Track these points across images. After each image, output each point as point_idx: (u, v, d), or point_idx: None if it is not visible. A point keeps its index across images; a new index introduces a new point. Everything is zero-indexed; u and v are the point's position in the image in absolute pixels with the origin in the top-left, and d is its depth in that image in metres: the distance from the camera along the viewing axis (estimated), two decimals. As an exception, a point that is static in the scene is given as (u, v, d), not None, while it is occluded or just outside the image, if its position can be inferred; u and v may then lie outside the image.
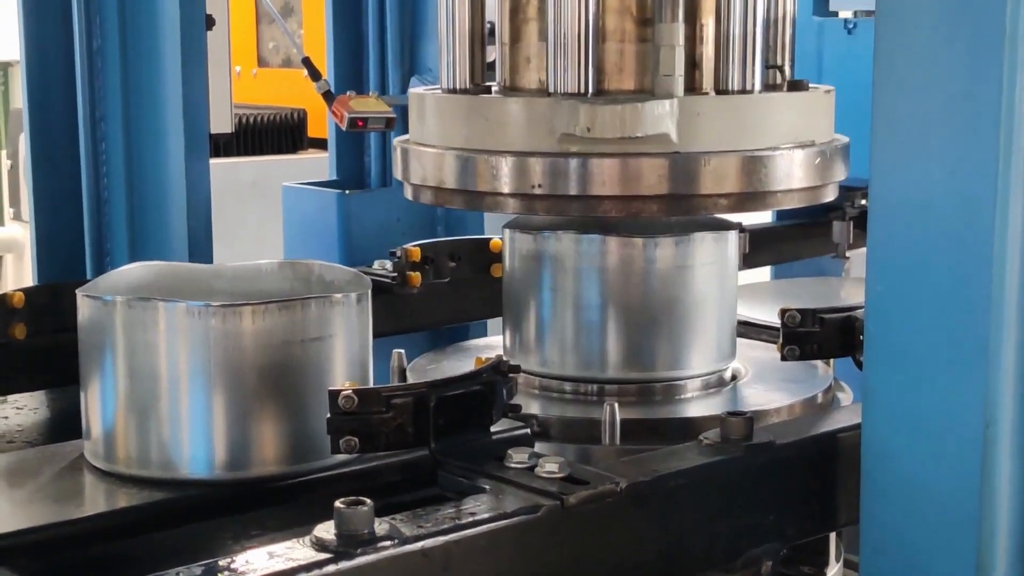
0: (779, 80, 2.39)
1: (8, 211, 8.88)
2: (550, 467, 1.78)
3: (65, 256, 3.59)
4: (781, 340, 2.16)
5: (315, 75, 4.42)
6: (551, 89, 2.23)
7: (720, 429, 1.95)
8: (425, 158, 2.32)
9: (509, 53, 2.39)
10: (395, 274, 2.90)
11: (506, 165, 2.20)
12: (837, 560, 2.34)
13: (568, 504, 1.70)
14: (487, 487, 1.77)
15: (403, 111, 4.48)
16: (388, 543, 1.56)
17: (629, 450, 2.12)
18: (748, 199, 2.23)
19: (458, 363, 2.57)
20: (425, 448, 1.86)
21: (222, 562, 1.54)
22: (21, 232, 8.51)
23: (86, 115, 3.53)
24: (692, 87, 2.27)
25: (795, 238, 3.98)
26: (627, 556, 1.81)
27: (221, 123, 4.24)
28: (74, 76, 3.53)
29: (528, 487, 1.74)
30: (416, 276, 2.87)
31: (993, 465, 1.64)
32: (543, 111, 2.19)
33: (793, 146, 2.25)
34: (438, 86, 2.47)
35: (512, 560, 1.68)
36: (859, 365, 1.96)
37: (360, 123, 4.18)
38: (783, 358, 2.17)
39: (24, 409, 2.51)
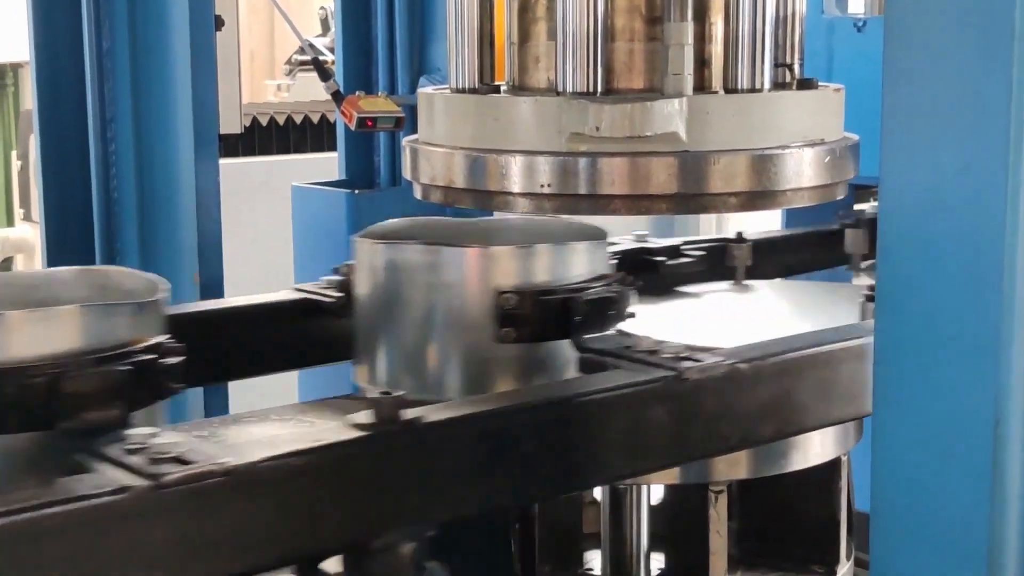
0: (788, 78, 2.38)
1: (18, 211, 8.92)
2: (165, 446, 1.59)
3: (75, 256, 3.60)
4: (497, 322, 2.04)
5: (324, 75, 4.43)
6: (560, 88, 2.23)
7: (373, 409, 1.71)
8: (434, 158, 2.32)
9: (518, 53, 2.38)
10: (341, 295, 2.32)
11: (515, 164, 2.20)
12: (848, 559, 2.34)
13: (162, 483, 1.52)
14: (94, 467, 1.59)
15: (412, 111, 4.49)
16: None
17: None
18: (758, 198, 2.22)
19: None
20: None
21: None
22: (32, 232, 8.55)
23: (96, 116, 3.55)
24: (701, 85, 2.27)
25: (801, 240, 3.94)
26: (234, 537, 1.61)
27: (231, 123, 4.24)
28: (84, 77, 3.54)
29: (126, 466, 1.59)
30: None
31: (1004, 463, 1.63)
32: (552, 110, 2.18)
33: (803, 144, 2.24)
34: (447, 86, 2.47)
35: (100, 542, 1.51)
36: (578, 347, 1.99)
37: (369, 123, 4.19)
38: (499, 340, 2.05)
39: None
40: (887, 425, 1.76)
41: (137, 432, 1.64)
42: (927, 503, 1.70)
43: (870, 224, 3.17)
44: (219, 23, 3.62)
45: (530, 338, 2.05)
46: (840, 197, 2.39)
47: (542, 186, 2.18)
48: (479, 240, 2.23)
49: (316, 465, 1.64)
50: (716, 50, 2.29)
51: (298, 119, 7.99)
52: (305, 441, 1.65)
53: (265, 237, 5.47)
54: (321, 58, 4.91)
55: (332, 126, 7.46)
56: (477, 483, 1.79)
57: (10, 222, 9.59)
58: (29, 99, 9.82)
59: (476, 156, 2.24)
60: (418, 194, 2.41)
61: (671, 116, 2.13)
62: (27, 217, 8.66)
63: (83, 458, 1.63)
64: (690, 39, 2.19)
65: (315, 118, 8.00)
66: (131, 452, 1.61)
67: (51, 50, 3.57)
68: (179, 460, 1.58)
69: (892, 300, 1.75)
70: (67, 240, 3.64)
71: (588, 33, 2.20)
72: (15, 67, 10.29)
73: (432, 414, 1.74)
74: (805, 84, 2.36)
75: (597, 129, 2.12)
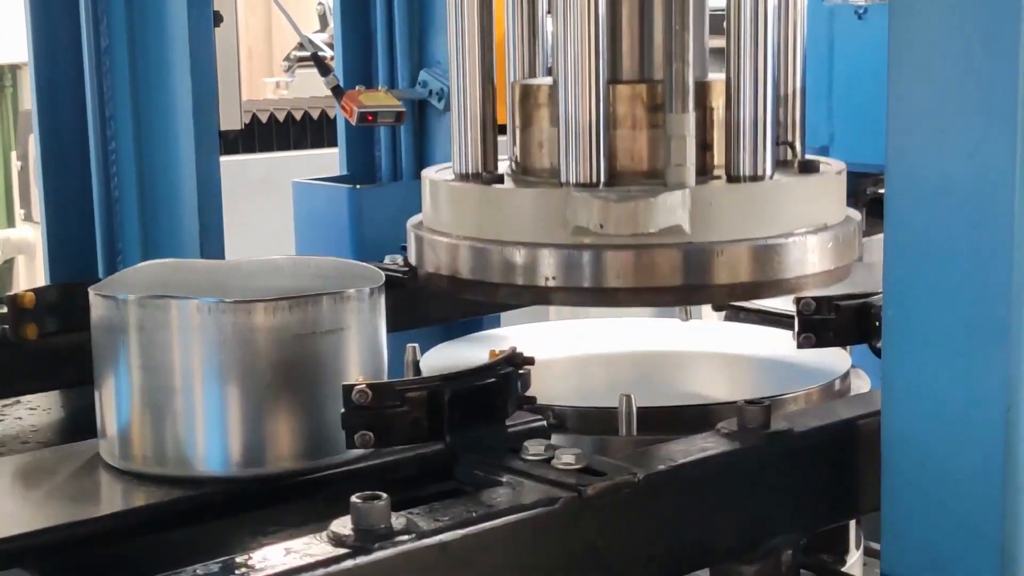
0: (790, 156, 2.41)
1: (19, 212, 8.91)
2: (567, 459, 1.77)
3: (77, 256, 3.59)
4: (797, 328, 2.15)
5: (324, 70, 4.42)
6: (563, 179, 2.24)
7: (737, 418, 1.94)
8: (439, 247, 2.32)
9: (520, 136, 2.41)
10: (407, 268, 2.89)
11: (519, 257, 2.20)
12: (857, 548, 2.32)
13: (586, 496, 1.69)
14: (504, 479, 1.76)
15: (413, 105, 4.48)
16: (405, 537, 1.55)
17: (645, 441, 2.11)
18: (763, 287, 2.21)
19: (471, 354, 2.56)
20: (441, 442, 1.85)
21: (239, 559, 1.53)
22: (33, 233, 8.53)
23: (95, 114, 3.53)
24: (703, 169, 2.28)
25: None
26: (646, 547, 1.80)
27: (231, 120, 4.24)
28: (83, 76, 3.53)
29: (545, 479, 1.73)
30: (429, 270, 2.85)
31: (1016, 448, 1.62)
32: (556, 203, 2.19)
33: (806, 231, 2.23)
34: (450, 166, 2.46)
35: (530, 552, 1.67)
36: (876, 352, 1.94)
37: (370, 117, 4.18)
38: (799, 346, 2.16)
39: (38, 410, 2.51)
40: (897, 413, 1.75)
41: (533, 445, 1.79)
42: (939, 490, 1.69)
43: None
44: (217, 19, 3.61)
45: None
46: (845, 279, 2.39)
47: (547, 279, 2.18)
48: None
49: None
50: (718, 134, 2.30)
51: (298, 115, 7.98)
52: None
53: (267, 234, 5.45)
54: (320, 54, 4.90)
55: (332, 122, 7.45)
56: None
57: (11, 223, 9.58)
58: (28, 100, 9.81)
59: (481, 248, 2.24)
60: (423, 280, 2.39)
61: (674, 209, 2.14)
62: (28, 218, 8.64)
63: (491, 471, 1.76)
64: (692, 131, 2.21)
65: (315, 114, 7.99)
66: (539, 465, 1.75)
67: (49, 49, 3.55)
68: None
69: (901, 287, 1.74)
70: (68, 240, 3.63)
71: (590, 123, 2.21)
72: (13, 68, 10.27)
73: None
74: (807, 166, 2.37)
75: (601, 226, 2.13)
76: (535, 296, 2.17)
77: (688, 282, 2.17)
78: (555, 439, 2.00)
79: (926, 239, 1.69)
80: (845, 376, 2.45)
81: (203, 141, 3.42)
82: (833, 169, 2.39)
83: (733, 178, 2.26)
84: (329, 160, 5.15)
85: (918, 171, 1.69)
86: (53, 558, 1.75)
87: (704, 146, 2.28)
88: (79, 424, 2.32)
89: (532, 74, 2.54)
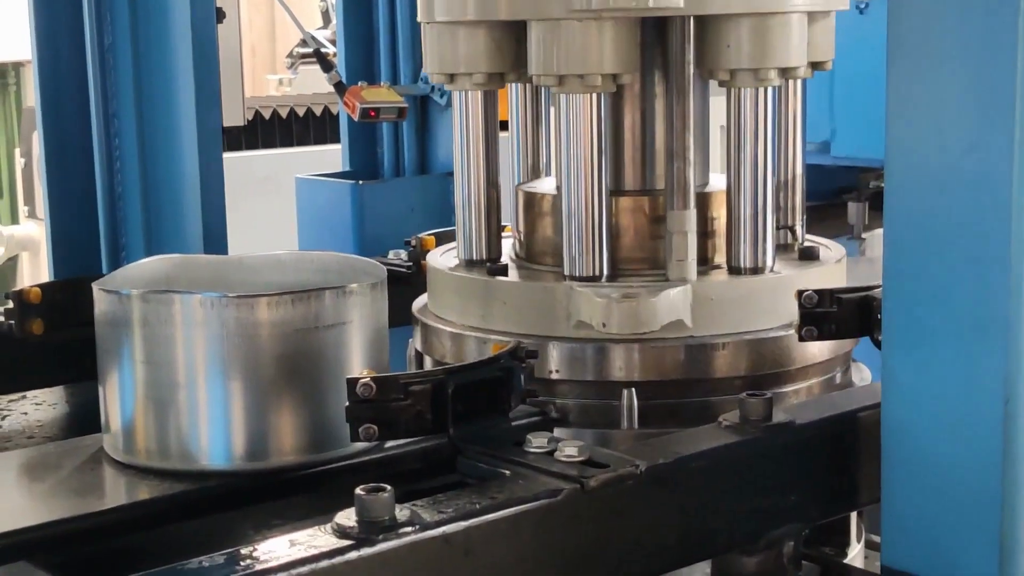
0: (791, 240, 2.43)
1: (23, 209, 8.93)
2: (570, 451, 1.78)
3: (81, 252, 3.61)
4: (798, 321, 2.15)
5: (326, 66, 4.43)
6: (567, 272, 2.26)
7: (739, 410, 1.94)
8: (444, 336, 2.34)
9: (525, 235, 2.43)
10: (410, 263, 2.90)
11: None
12: (858, 540, 2.33)
13: (588, 487, 1.70)
14: (507, 472, 1.76)
15: (415, 101, 4.49)
16: (409, 529, 1.56)
17: (647, 434, 2.12)
18: (763, 379, 2.23)
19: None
20: (444, 435, 1.86)
21: (244, 550, 1.54)
22: (37, 230, 8.56)
23: (99, 112, 3.55)
24: (704, 259, 2.31)
25: (809, 220, 3.96)
26: (648, 538, 1.81)
27: (233, 116, 4.24)
28: (86, 73, 3.54)
29: (548, 471, 1.74)
30: (431, 264, 2.86)
31: (1014, 440, 1.63)
32: (560, 297, 2.21)
33: None
34: (454, 247, 2.47)
35: (533, 544, 1.68)
36: (877, 344, 1.95)
37: (372, 113, 4.18)
38: (801, 339, 2.16)
39: (43, 404, 2.52)
40: (897, 405, 1.76)
41: (536, 438, 1.80)
42: (939, 482, 1.70)
43: None
44: (220, 16, 3.61)
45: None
46: (846, 365, 2.42)
47: (550, 372, 2.21)
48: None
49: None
50: (719, 226, 2.33)
51: (300, 112, 8.00)
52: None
53: (270, 230, 5.47)
54: (323, 50, 4.91)
55: (335, 118, 7.47)
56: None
57: (15, 220, 9.61)
58: (31, 97, 9.84)
59: (485, 339, 2.26)
60: (429, 366, 2.41)
61: (676, 305, 2.17)
62: (32, 214, 8.67)
63: (494, 464, 1.77)
64: (694, 227, 2.24)
65: (318, 110, 8.01)
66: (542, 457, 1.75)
67: (53, 46, 3.57)
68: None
69: (900, 280, 1.74)
70: (72, 236, 3.64)
71: (592, 232, 2.23)
72: (16, 66, 10.30)
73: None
74: (807, 253, 2.40)
75: (604, 325, 2.14)
76: (539, 387, 2.16)
77: (690, 376, 2.20)
78: (557, 432, 2.01)
79: (925, 233, 1.70)
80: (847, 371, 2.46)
81: (206, 138, 3.43)
82: (833, 256, 2.42)
83: (734, 269, 2.29)
84: (332, 156, 5.17)
85: (917, 165, 1.70)
86: (58, 552, 1.76)
87: (705, 234, 2.31)
88: (84, 419, 2.33)
89: (536, 169, 2.57)
